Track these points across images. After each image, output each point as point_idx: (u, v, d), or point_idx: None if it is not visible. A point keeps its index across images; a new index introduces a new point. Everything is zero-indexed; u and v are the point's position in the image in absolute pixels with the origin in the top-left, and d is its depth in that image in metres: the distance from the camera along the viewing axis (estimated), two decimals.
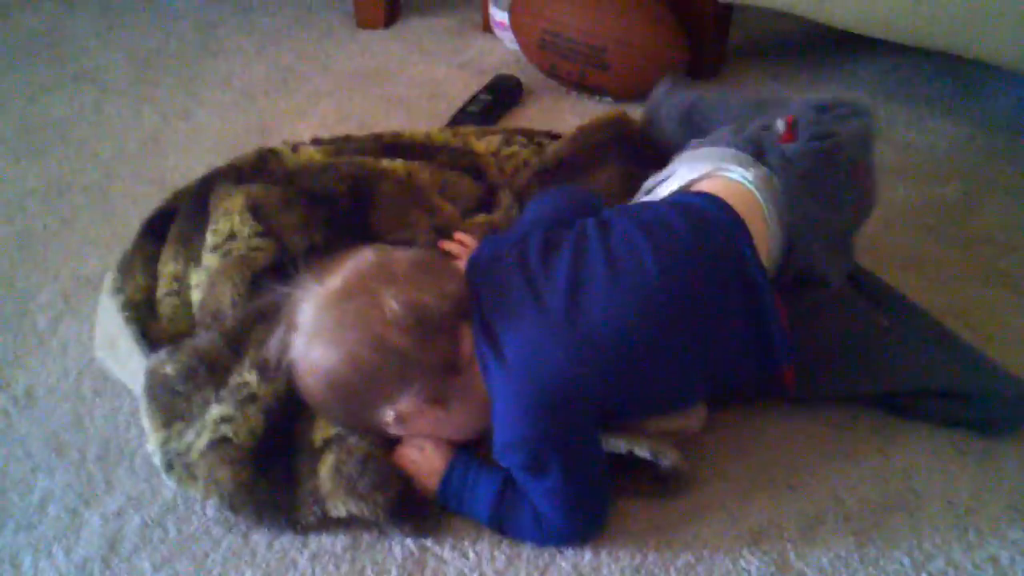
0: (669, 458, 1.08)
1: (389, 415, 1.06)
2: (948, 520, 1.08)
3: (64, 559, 1.06)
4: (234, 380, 1.13)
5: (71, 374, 1.28)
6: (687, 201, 1.18)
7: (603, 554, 1.05)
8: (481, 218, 1.37)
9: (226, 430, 1.10)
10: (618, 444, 1.08)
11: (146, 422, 1.13)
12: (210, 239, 1.29)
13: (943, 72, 1.88)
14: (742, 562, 1.04)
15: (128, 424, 1.20)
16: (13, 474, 1.15)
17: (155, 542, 1.08)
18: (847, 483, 1.12)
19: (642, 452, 1.08)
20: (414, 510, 1.07)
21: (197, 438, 1.10)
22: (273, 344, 1.09)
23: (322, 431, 1.11)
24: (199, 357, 1.15)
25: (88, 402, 1.24)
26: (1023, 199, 1.56)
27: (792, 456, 1.15)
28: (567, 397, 1.03)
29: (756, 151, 1.22)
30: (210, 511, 1.10)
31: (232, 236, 1.27)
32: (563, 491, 1.03)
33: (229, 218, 1.28)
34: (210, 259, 1.26)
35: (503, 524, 1.06)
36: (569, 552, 1.05)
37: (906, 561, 1.04)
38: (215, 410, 1.11)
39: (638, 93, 1.83)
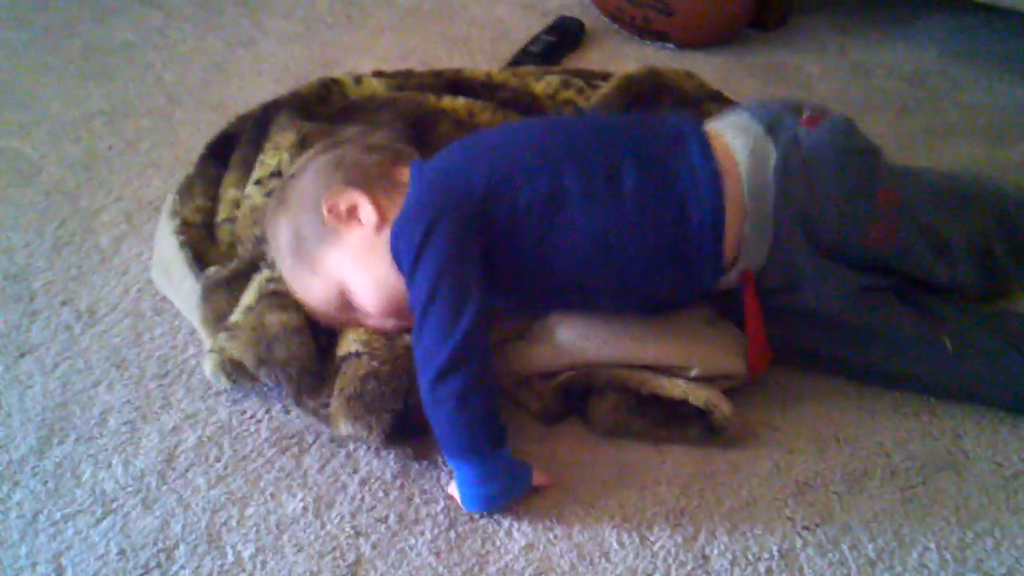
0: (722, 411, 1.09)
1: (323, 207, 1.11)
2: (996, 481, 1.08)
3: (122, 471, 1.09)
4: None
5: (132, 292, 1.30)
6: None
7: (648, 496, 1.06)
8: None
9: (275, 285, 1.15)
10: (674, 389, 1.09)
11: (202, 330, 1.19)
12: (256, 171, 1.30)
13: (1015, 33, 1.84)
14: (787, 511, 1.05)
15: (186, 343, 1.23)
16: (75, 386, 1.18)
17: (210, 459, 1.10)
18: (895, 439, 1.12)
19: (697, 402, 1.09)
20: (411, 432, 1.08)
21: (247, 299, 1.15)
22: None
23: (342, 346, 1.12)
24: (250, 263, 1.21)
25: (148, 320, 1.27)
26: None
27: (840, 410, 1.15)
28: (456, 184, 1.09)
29: (769, 123, 1.14)
30: (264, 432, 1.12)
31: (277, 175, 1.28)
32: (432, 287, 1.02)
33: (277, 153, 1.30)
34: (253, 191, 1.29)
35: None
36: (614, 493, 1.07)
37: (952, 519, 1.04)
38: (263, 274, 1.17)
39: (701, 40, 1.82)
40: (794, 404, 1.16)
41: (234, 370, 1.12)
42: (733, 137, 1.13)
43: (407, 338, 1.08)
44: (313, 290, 1.13)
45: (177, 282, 1.25)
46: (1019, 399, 1.13)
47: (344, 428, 1.06)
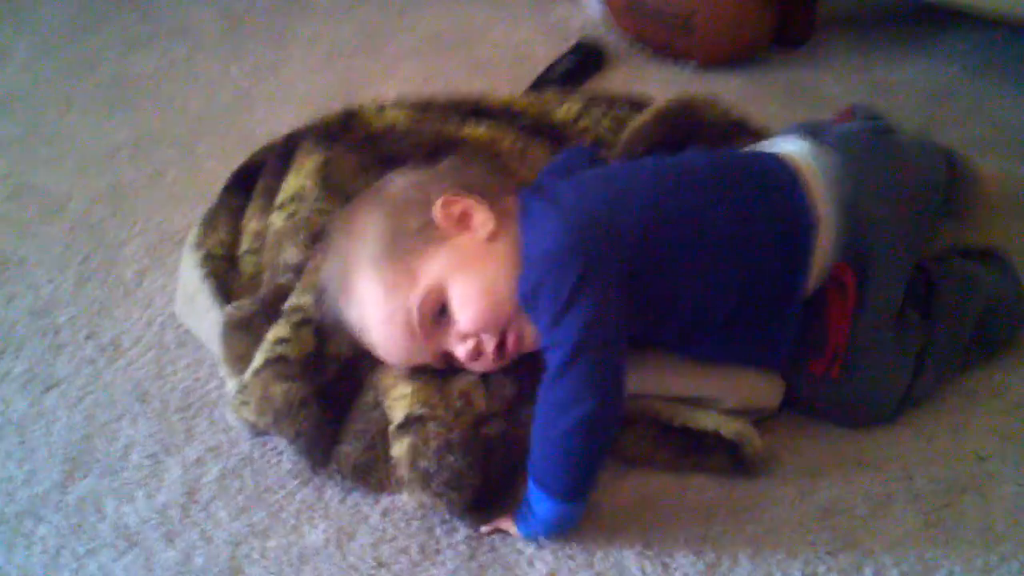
0: (753, 444, 1.09)
1: (436, 206, 1.08)
2: (1020, 503, 1.07)
3: (145, 504, 1.10)
4: (289, 303, 1.17)
5: (155, 325, 1.32)
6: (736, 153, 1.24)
7: (670, 523, 1.06)
8: None
9: (281, 350, 1.12)
10: (706, 421, 1.09)
11: (223, 369, 1.18)
12: (279, 196, 1.31)
13: None
14: (810, 537, 1.04)
15: (209, 376, 1.23)
16: (99, 420, 1.20)
17: (232, 492, 1.11)
18: (918, 462, 1.11)
19: (729, 435, 1.08)
20: (486, 504, 1.06)
21: (256, 362, 1.13)
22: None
23: (395, 407, 1.09)
24: (269, 299, 1.19)
25: (171, 353, 1.28)
26: None
27: (862, 433, 1.14)
28: (606, 232, 1.05)
29: (812, 132, 1.20)
30: (286, 464, 1.13)
31: (299, 198, 1.29)
32: (578, 343, 0.99)
33: (299, 179, 1.31)
34: (276, 217, 1.29)
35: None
36: (635, 520, 1.06)
37: (976, 542, 1.03)
38: (272, 332, 1.14)
39: (723, 60, 1.82)
40: (815, 427, 1.15)
41: (255, 426, 1.13)
42: (803, 158, 1.16)
43: (459, 386, 1.08)
44: (399, 294, 1.06)
45: (201, 313, 1.26)
46: None
47: (419, 500, 1.04)
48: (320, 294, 1.14)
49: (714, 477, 1.10)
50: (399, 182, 1.15)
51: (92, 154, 1.66)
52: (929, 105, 1.70)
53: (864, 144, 1.19)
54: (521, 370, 1.10)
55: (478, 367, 1.09)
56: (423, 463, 1.03)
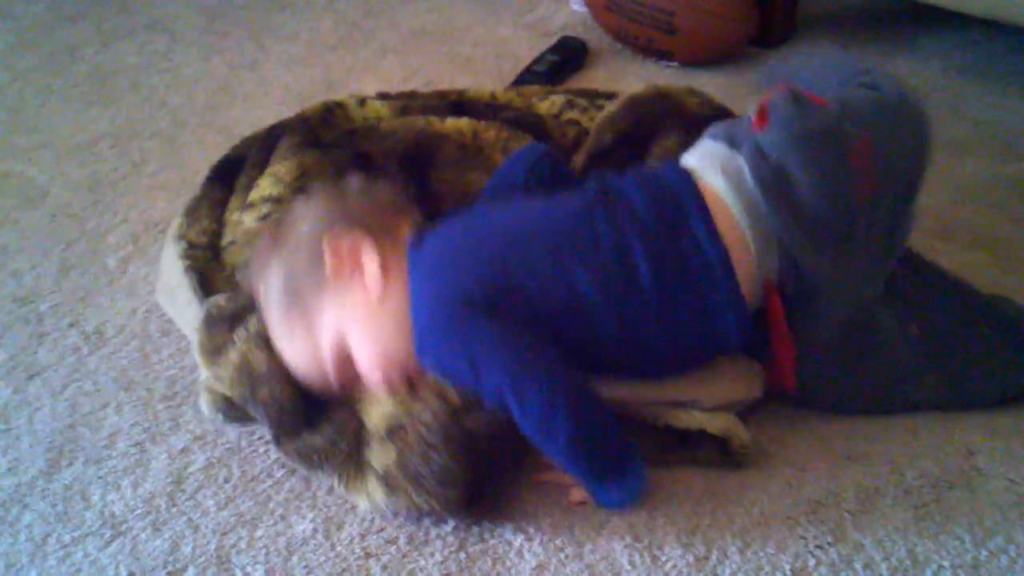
0: (740, 438, 1.09)
1: (326, 250, 1.08)
2: (1010, 499, 1.07)
3: (131, 493, 1.09)
4: None
5: (139, 313, 1.31)
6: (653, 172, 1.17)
7: (659, 517, 1.06)
8: None
9: (264, 328, 1.11)
10: (690, 420, 1.09)
11: (198, 358, 1.15)
12: (253, 194, 1.30)
13: (1019, 48, 1.84)
14: (799, 530, 1.04)
15: (194, 365, 1.21)
16: (83, 408, 1.18)
17: (219, 481, 1.10)
18: (907, 456, 1.11)
19: (715, 432, 1.09)
20: (479, 499, 1.06)
21: (236, 345, 1.12)
22: None
23: (381, 417, 1.06)
24: (247, 302, 1.17)
25: (155, 341, 1.27)
26: None
27: (851, 427, 1.15)
28: (490, 296, 1.05)
29: (728, 138, 1.11)
30: (273, 453, 1.12)
31: (275, 199, 1.28)
32: (513, 386, 1.00)
33: (276, 183, 1.29)
34: (248, 216, 1.28)
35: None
36: (625, 512, 1.06)
37: (966, 537, 1.03)
38: (254, 320, 1.13)
39: (705, 58, 1.83)
40: (804, 421, 1.15)
41: (227, 406, 1.12)
42: (714, 176, 1.09)
43: (430, 384, 1.06)
44: (305, 340, 1.08)
45: (182, 305, 1.25)
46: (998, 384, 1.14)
47: (412, 502, 1.03)
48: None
49: (702, 470, 1.10)
50: (301, 221, 1.13)
51: (72, 144, 1.65)
52: None
53: (780, 160, 1.07)
54: None
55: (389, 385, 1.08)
56: (412, 466, 1.02)
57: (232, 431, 1.15)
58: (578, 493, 1.07)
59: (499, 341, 1.03)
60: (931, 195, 1.28)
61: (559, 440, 1.00)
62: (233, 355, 1.10)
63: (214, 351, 1.15)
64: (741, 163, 1.08)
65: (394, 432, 1.04)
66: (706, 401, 1.11)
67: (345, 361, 1.08)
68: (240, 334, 1.12)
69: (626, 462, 1.04)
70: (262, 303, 1.12)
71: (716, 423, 1.09)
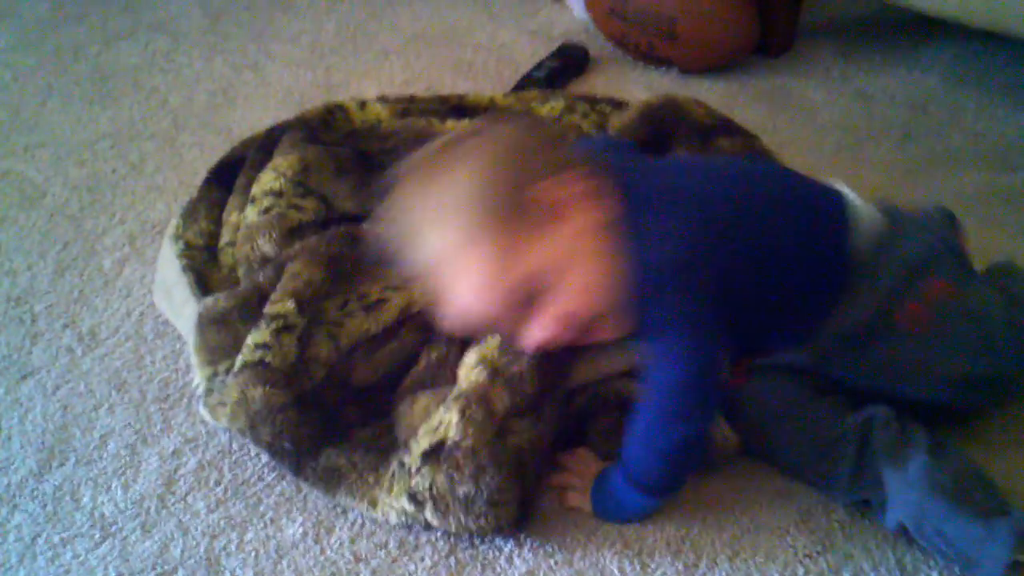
0: (723, 430, 1.08)
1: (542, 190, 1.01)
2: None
3: (122, 495, 1.09)
4: (271, 309, 1.14)
5: (134, 315, 1.31)
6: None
7: (649, 524, 1.05)
8: None
9: (262, 355, 1.10)
10: None
11: (194, 358, 1.16)
12: (254, 189, 1.31)
13: (1018, 59, 1.84)
14: (789, 539, 1.04)
15: (188, 367, 1.22)
16: (76, 409, 1.19)
17: (210, 484, 1.10)
18: None
19: None
20: (528, 516, 1.05)
21: (236, 365, 1.11)
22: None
23: (426, 428, 1.05)
24: (246, 296, 1.17)
25: (149, 343, 1.27)
26: None
27: None
28: (714, 249, 1.04)
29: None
30: (264, 456, 1.12)
31: (275, 194, 1.28)
32: (687, 382, 1.00)
33: (278, 178, 1.30)
34: (250, 211, 1.29)
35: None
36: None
37: None
38: (252, 336, 1.12)
39: (705, 66, 1.83)
40: None
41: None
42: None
43: (475, 392, 1.04)
44: (496, 268, 0.99)
45: (179, 306, 1.25)
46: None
47: (461, 525, 1.02)
48: (374, 222, 1.09)
49: (693, 478, 1.09)
50: (500, 140, 1.06)
51: (72, 144, 1.65)
52: (909, 114, 1.72)
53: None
54: (545, 366, 1.08)
55: (529, 347, 1.05)
56: (462, 489, 1.00)
57: (223, 434, 1.15)
58: (574, 498, 1.07)
59: (716, 320, 1.01)
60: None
61: (673, 435, 1.01)
62: (233, 389, 1.09)
63: (209, 351, 1.15)
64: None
65: (441, 452, 1.02)
66: None
67: (525, 301, 1.02)
68: (239, 362, 1.11)
69: (675, 489, 1.06)
70: (434, 216, 1.02)
71: None
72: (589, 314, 1.03)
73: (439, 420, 1.04)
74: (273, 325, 1.12)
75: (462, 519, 1.01)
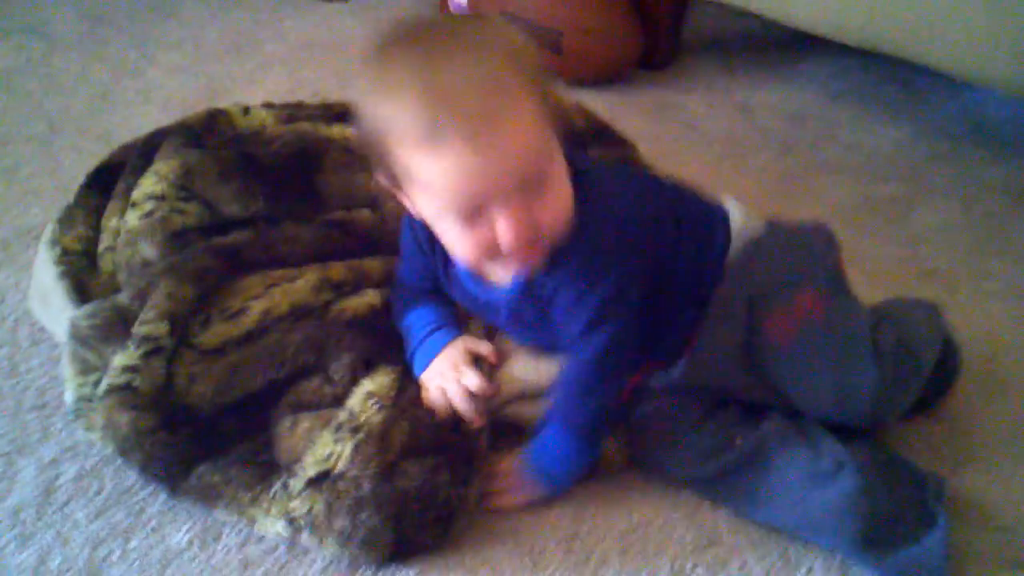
0: (618, 453, 1.11)
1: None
2: None
3: None
4: (140, 330, 1.10)
5: (8, 322, 1.26)
6: None
7: (540, 521, 1.06)
8: None
9: (128, 378, 1.07)
10: None
11: (65, 370, 1.13)
12: (136, 193, 1.28)
13: (891, 77, 1.92)
14: (677, 533, 1.06)
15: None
16: None
17: (91, 493, 1.07)
18: None
19: None
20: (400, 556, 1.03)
21: (103, 385, 1.08)
22: None
23: (314, 458, 1.04)
24: (117, 311, 1.14)
25: (25, 351, 1.23)
26: (960, 202, 1.60)
27: None
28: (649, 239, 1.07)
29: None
30: None
31: (157, 197, 1.25)
32: (616, 340, 1.04)
33: (159, 181, 1.27)
34: (130, 216, 1.25)
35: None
36: (507, 518, 1.06)
37: None
38: (119, 358, 1.09)
39: (591, 79, 1.86)
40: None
41: None
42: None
43: (375, 425, 1.05)
44: (541, 128, 0.95)
45: (55, 313, 1.21)
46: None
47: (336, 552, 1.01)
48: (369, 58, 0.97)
49: (582, 481, 1.11)
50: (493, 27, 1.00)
51: None
52: (788, 127, 1.77)
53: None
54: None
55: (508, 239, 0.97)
56: (339, 522, 1.00)
57: None
58: (506, 497, 1.08)
59: (631, 317, 1.04)
60: (804, 214, 1.34)
61: (594, 402, 1.06)
62: (99, 414, 1.06)
63: (81, 364, 1.12)
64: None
65: (325, 480, 1.02)
66: None
67: (533, 184, 0.96)
68: (103, 386, 1.07)
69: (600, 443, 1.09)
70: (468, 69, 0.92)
71: None
72: (558, 230, 1.00)
73: (331, 451, 1.03)
74: (143, 348, 1.09)
75: (332, 546, 1.00)
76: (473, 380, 1.09)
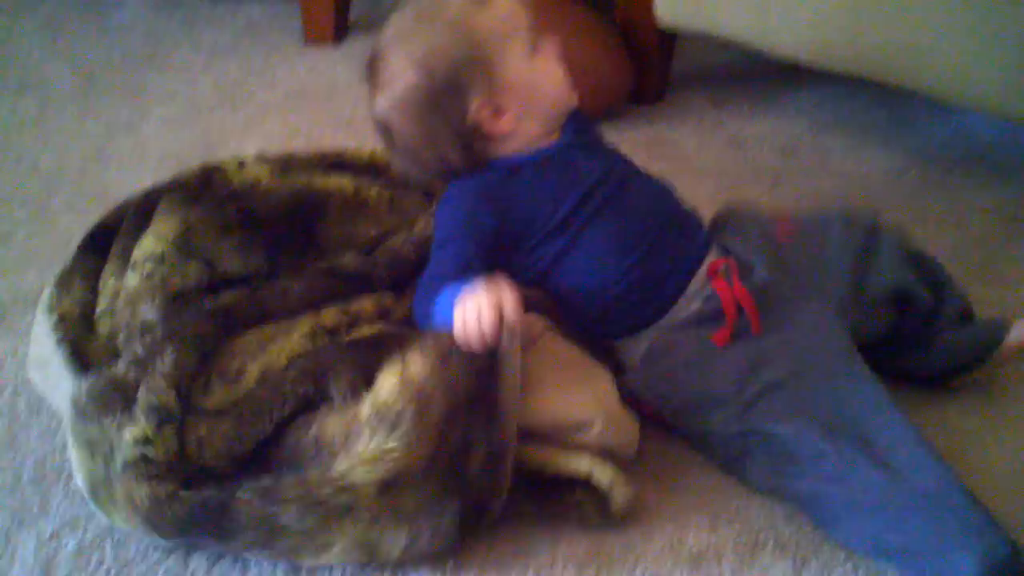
0: (624, 492, 1.10)
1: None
2: None
3: None
4: (149, 400, 1.09)
5: (6, 392, 1.27)
6: None
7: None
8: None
9: (143, 450, 1.06)
10: (579, 464, 1.10)
11: (73, 453, 1.11)
12: (136, 253, 1.28)
13: (880, 103, 1.92)
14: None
15: (64, 445, 1.18)
16: None
17: (91, 567, 1.07)
18: (784, 512, 1.13)
19: (602, 478, 1.10)
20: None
21: (116, 462, 1.07)
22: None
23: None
24: (113, 383, 1.12)
25: (23, 421, 1.23)
26: (952, 229, 1.59)
27: (728, 484, 1.17)
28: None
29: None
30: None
31: (157, 259, 1.25)
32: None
33: (159, 241, 1.27)
34: (130, 278, 1.25)
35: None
36: (509, 573, 1.06)
37: None
38: (130, 431, 1.07)
39: None
40: (680, 477, 1.17)
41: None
42: None
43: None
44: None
45: (55, 381, 1.21)
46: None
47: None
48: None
49: (586, 530, 1.11)
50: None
51: None
52: (780, 159, 1.77)
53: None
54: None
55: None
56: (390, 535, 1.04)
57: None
58: None
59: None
60: None
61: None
62: (119, 494, 1.05)
63: (88, 444, 1.10)
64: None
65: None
66: (597, 423, 1.12)
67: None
68: (118, 462, 1.06)
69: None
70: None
71: (606, 471, 1.10)
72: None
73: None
74: (154, 418, 1.08)
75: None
76: (510, 297, 1.06)
